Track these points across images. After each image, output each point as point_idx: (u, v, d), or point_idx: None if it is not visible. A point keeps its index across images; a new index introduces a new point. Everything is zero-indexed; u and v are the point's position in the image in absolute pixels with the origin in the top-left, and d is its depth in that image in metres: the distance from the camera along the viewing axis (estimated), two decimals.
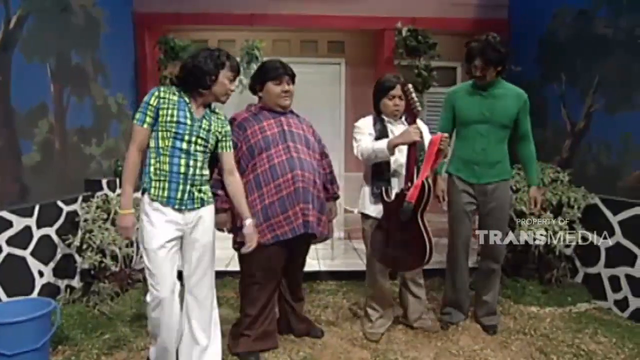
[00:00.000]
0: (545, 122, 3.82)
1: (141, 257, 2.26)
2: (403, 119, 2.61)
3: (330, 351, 2.52)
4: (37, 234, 2.82)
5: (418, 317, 2.77)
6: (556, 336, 2.70)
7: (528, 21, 4.12)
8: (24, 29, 2.77)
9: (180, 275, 2.14)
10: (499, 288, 2.89)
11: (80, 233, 3.08)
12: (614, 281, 3.08)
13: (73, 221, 3.15)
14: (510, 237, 2.76)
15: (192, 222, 2.08)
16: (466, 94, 2.67)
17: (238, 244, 2.35)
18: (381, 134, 2.51)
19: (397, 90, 2.50)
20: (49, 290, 2.91)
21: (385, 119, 2.58)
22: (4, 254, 2.55)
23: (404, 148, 2.46)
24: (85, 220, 3.12)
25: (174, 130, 2.00)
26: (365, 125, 2.59)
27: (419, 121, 2.44)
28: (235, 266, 2.74)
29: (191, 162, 2.04)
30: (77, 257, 3.18)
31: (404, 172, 2.44)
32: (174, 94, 2.04)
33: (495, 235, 2.66)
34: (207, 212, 2.15)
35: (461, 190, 2.69)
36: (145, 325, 2.50)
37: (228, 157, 2.22)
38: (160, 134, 2.01)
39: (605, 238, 3.08)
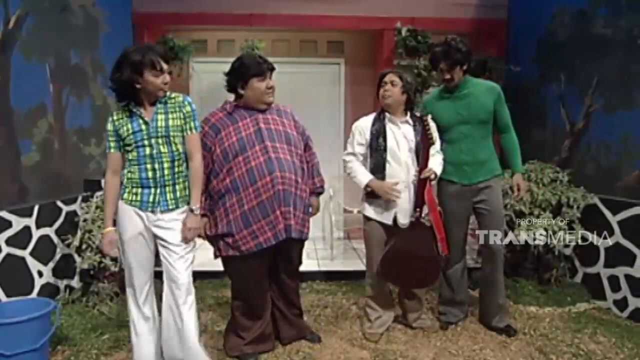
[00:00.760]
0: (544, 122, 3.82)
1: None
2: (408, 117, 2.57)
3: (329, 351, 2.52)
4: (36, 234, 2.82)
5: (417, 317, 2.77)
6: (555, 336, 2.71)
7: (527, 21, 4.12)
8: (23, 29, 2.77)
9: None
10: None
11: (79, 233, 3.07)
12: (613, 281, 3.09)
13: (72, 221, 3.15)
14: (510, 237, 2.75)
15: (166, 223, 2.12)
16: (439, 100, 2.71)
17: (218, 252, 2.35)
18: (378, 134, 2.51)
19: (388, 78, 2.55)
20: (49, 291, 2.91)
21: (387, 116, 2.56)
22: (3, 254, 2.55)
23: (401, 153, 2.50)
24: (85, 220, 3.12)
25: (133, 140, 2.09)
26: (362, 129, 2.56)
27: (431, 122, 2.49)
28: None
29: (156, 166, 2.10)
30: (76, 257, 3.18)
31: (402, 175, 2.49)
32: (124, 111, 2.12)
33: (495, 235, 2.64)
34: (179, 213, 2.15)
35: (454, 194, 2.67)
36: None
37: (190, 140, 2.16)
38: (126, 148, 2.12)
39: (604, 238, 3.07)
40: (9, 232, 2.60)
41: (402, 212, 2.49)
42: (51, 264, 2.97)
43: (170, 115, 2.13)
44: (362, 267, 2.81)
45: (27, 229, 2.75)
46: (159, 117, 2.11)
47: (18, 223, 2.67)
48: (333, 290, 3.51)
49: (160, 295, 2.19)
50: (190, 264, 2.19)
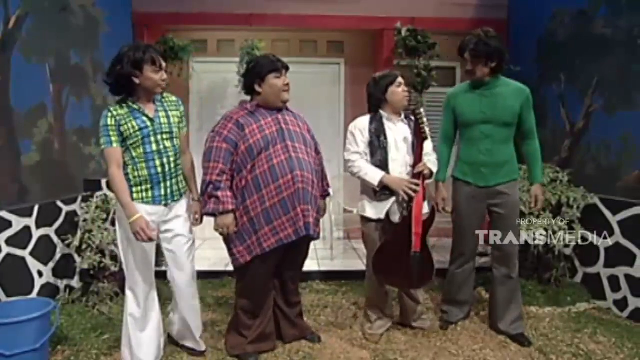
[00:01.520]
0: (544, 122, 3.82)
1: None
2: (403, 116, 2.60)
3: (329, 351, 2.52)
4: (36, 234, 2.82)
5: (417, 317, 2.77)
6: (555, 336, 2.71)
7: (527, 21, 4.12)
8: (23, 29, 2.77)
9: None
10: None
11: (79, 233, 3.08)
12: (613, 281, 3.09)
13: (72, 221, 3.15)
14: (510, 237, 2.70)
15: (171, 213, 2.25)
16: (465, 95, 2.62)
17: (239, 259, 2.31)
18: (378, 132, 2.51)
19: (401, 79, 2.57)
20: (49, 291, 2.91)
21: (385, 115, 2.56)
22: (3, 254, 2.55)
23: (400, 151, 2.50)
24: (85, 220, 3.12)
25: (139, 137, 2.13)
26: (361, 128, 2.54)
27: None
28: None
29: (164, 160, 2.19)
30: (76, 257, 3.18)
31: (403, 173, 2.48)
32: (121, 107, 2.14)
33: (509, 239, 2.58)
34: (183, 204, 2.32)
35: (469, 196, 2.62)
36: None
37: (183, 137, 2.35)
38: (130, 146, 2.13)
39: (604, 238, 3.07)
40: (9, 232, 2.60)
41: (395, 208, 2.48)
42: (51, 264, 2.97)
43: (170, 113, 2.24)
44: (362, 267, 2.81)
45: (27, 229, 2.75)
46: (161, 114, 2.21)
47: (18, 223, 2.67)
48: (333, 290, 3.51)
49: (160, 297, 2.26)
50: (194, 255, 2.37)
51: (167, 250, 2.29)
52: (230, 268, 2.55)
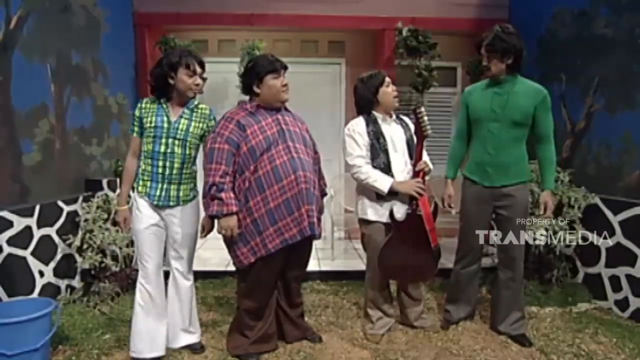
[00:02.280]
0: None
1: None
2: (395, 116, 2.60)
3: (330, 351, 2.52)
4: (37, 234, 2.82)
5: (418, 317, 2.77)
6: (556, 336, 2.70)
7: (528, 21, 4.12)
8: (24, 29, 2.78)
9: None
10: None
11: (80, 233, 3.08)
12: (615, 281, 3.08)
13: (73, 221, 3.15)
14: (510, 237, 2.66)
15: (167, 218, 2.32)
16: (480, 92, 2.58)
17: (242, 261, 2.30)
18: (376, 135, 2.50)
19: (389, 79, 2.58)
20: (50, 290, 2.91)
21: (379, 117, 2.55)
22: (4, 254, 2.55)
23: (398, 151, 2.50)
24: (86, 220, 3.13)
25: (152, 134, 2.25)
26: (360, 131, 2.52)
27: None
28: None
29: (167, 164, 2.26)
30: (77, 257, 3.18)
31: (404, 173, 2.48)
32: (154, 102, 2.30)
33: (513, 242, 2.55)
34: (180, 210, 2.34)
35: (474, 195, 2.60)
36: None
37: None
38: (145, 139, 2.29)
39: (605, 238, 3.07)
40: (10, 232, 2.60)
41: (398, 206, 2.49)
42: (52, 264, 2.97)
43: (194, 123, 2.32)
44: (363, 267, 2.80)
45: (28, 228, 2.75)
46: (183, 121, 2.29)
47: (19, 223, 2.67)
48: (334, 290, 3.51)
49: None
50: (193, 256, 2.47)
51: (169, 248, 2.39)
52: (231, 268, 2.55)
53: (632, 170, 3.00)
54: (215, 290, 3.46)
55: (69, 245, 3.05)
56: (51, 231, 2.97)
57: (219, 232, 2.27)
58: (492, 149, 2.52)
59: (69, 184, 3.22)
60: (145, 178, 2.28)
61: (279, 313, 2.56)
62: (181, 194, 2.31)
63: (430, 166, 2.55)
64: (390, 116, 2.60)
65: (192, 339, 2.51)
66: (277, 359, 2.44)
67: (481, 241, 2.68)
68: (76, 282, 3.21)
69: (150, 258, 2.30)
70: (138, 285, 2.32)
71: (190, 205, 2.37)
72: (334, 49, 4.93)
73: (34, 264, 2.79)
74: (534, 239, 3.12)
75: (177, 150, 2.26)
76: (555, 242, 3.15)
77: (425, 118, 2.41)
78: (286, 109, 2.45)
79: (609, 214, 3.12)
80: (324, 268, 3.84)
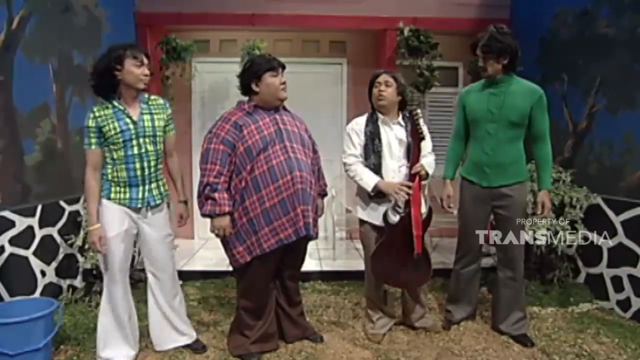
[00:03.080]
0: None
1: (140, 255, 2.45)
2: (400, 118, 2.56)
3: (332, 351, 2.52)
4: (39, 233, 2.83)
5: (419, 317, 2.77)
6: (558, 336, 2.70)
7: (530, 21, 4.11)
8: (26, 29, 2.78)
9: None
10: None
11: (82, 233, 3.08)
12: (617, 281, 3.08)
13: (75, 221, 3.16)
14: (511, 237, 2.62)
15: (151, 217, 2.29)
16: (476, 92, 2.59)
17: (238, 260, 2.32)
18: (373, 135, 2.49)
19: (382, 78, 2.54)
20: (51, 290, 2.92)
21: (380, 117, 2.54)
22: (6, 253, 2.56)
23: (394, 155, 2.49)
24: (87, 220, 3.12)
25: (120, 140, 2.16)
26: (357, 130, 2.53)
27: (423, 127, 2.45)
28: None
29: (145, 164, 2.22)
30: (79, 256, 3.18)
31: (395, 176, 2.47)
32: (107, 107, 2.17)
33: (513, 242, 2.55)
34: (163, 207, 2.36)
35: (472, 195, 2.61)
36: (146, 325, 2.50)
37: (170, 140, 2.40)
38: (111, 147, 2.18)
39: (606, 238, 3.06)
40: (12, 232, 2.61)
41: (391, 210, 2.47)
42: (54, 264, 2.97)
43: (155, 116, 2.26)
44: (364, 267, 2.80)
45: (30, 228, 2.75)
46: (145, 117, 2.22)
47: (21, 223, 2.67)
48: (335, 290, 3.51)
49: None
50: (173, 254, 2.44)
51: (145, 252, 2.33)
52: (231, 268, 2.55)
53: (634, 170, 3.00)
54: (216, 290, 3.47)
55: (71, 245, 3.05)
56: (53, 231, 2.98)
57: (212, 232, 2.28)
58: (490, 149, 2.52)
59: (70, 183, 3.22)
60: (121, 185, 2.20)
61: (279, 312, 2.56)
62: (162, 190, 2.32)
63: (428, 170, 2.48)
64: (398, 115, 2.57)
65: (184, 340, 2.49)
66: (278, 358, 2.45)
67: (481, 241, 2.68)
68: (78, 282, 3.21)
69: (116, 263, 2.23)
70: (105, 290, 2.28)
71: (159, 208, 2.33)
72: (335, 49, 4.93)
73: (36, 264, 2.80)
74: (535, 239, 3.12)
75: (150, 147, 2.23)
76: (556, 242, 3.14)
77: (421, 120, 2.40)
78: (285, 109, 2.45)
79: (610, 214, 3.12)
80: (326, 268, 3.84)
